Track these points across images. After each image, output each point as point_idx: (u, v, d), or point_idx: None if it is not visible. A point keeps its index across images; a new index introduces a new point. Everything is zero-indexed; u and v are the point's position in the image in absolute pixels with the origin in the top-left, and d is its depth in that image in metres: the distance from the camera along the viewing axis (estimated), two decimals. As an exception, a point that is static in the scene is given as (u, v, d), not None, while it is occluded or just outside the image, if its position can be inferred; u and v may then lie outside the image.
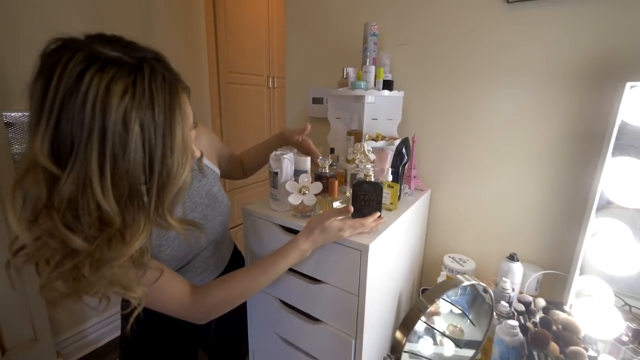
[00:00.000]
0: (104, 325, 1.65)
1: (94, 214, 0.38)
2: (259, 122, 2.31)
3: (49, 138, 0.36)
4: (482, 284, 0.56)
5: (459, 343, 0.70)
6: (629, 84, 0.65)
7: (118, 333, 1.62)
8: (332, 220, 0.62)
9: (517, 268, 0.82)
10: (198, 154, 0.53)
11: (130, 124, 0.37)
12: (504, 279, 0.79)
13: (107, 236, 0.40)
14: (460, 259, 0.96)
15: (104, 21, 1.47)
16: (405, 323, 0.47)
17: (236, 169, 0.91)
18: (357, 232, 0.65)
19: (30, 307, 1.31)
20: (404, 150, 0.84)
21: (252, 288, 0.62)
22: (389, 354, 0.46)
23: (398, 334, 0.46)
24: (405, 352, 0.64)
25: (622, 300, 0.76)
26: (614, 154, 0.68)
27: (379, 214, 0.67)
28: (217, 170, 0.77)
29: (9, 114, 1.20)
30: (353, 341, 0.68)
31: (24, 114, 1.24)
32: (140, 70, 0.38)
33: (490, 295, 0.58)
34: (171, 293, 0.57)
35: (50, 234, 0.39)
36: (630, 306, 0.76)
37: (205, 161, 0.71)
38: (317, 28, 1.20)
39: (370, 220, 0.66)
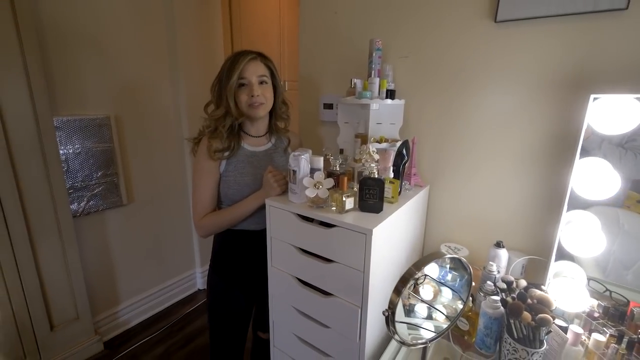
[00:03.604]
0: (135, 307, 1.82)
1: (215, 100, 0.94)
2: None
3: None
4: (462, 258, 0.68)
5: (448, 314, 0.82)
6: (592, 96, 0.76)
7: (146, 316, 1.82)
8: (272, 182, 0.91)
9: (503, 254, 0.94)
10: (256, 94, 0.91)
11: (227, 62, 0.90)
12: (490, 262, 0.91)
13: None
14: (455, 247, 1.09)
15: (135, 32, 1.63)
16: (398, 286, 0.60)
17: None
18: (283, 188, 0.92)
19: (74, 289, 1.48)
20: (404, 151, 0.97)
21: (222, 221, 0.95)
22: (387, 309, 0.59)
23: (392, 295, 0.60)
24: (402, 322, 0.78)
25: (604, 286, 0.88)
26: (581, 155, 0.80)
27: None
28: None
29: (58, 118, 1.37)
30: (359, 310, 0.82)
31: (69, 118, 1.41)
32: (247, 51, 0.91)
33: (469, 269, 0.71)
34: (200, 201, 0.95)
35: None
36: (610, 291, 0.88)
37: (290, 151, 1.04)
38: (329, 42, 1.33)
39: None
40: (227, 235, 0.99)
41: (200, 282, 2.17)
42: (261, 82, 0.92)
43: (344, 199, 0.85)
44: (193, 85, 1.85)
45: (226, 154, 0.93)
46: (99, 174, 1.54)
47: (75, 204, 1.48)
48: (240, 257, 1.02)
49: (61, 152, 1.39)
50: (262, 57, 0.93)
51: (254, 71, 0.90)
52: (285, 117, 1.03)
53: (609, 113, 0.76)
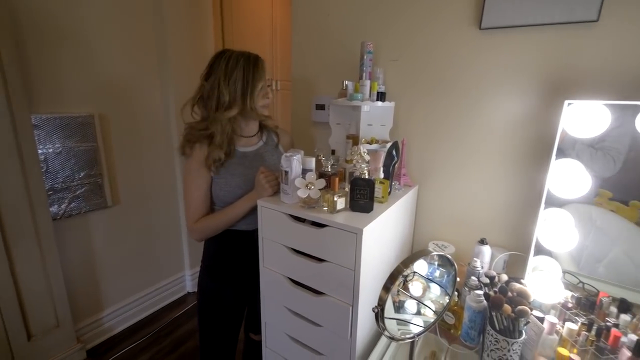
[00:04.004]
0: (119, 314, 1.76)
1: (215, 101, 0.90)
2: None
3: (205, 73, 0.92)
4: (448, 255, 0.72)
5: (435, 309, 0.86)
6: (566, 102, 0.82)
7: (133, 321, 1.77)
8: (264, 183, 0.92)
9: (486, 250, 0.99)
10: (270, 98, 0.98)
11: (239, 64, 0.89)
12: (474, 259, 0.96)
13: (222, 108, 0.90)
14: (442, 244, 1.13)
15: (122, 29, 1.58)
16: (386, 283, 0.62)
17: None
18: (275, 189, 0.93)
19: (53, 295, 1.42)
20: (393, 152, 1.00)
21: (218, 224, 0.95)
22: (376, 305, 0.62)
23: (382, 292, 0.62)
24: (391, 318, 0.80)
25: (578, 278, 0.94)
26: (557, 156, 0.86)
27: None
28: None
29: (37, 116, 1.32)
30: (350, 308, 0.84)
31: (49, 116, 1.35)
32: (246, 52, 0.91)
33: (454, 265, 0.74)
34: (193, 204, 0.95)
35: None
36: (583, 283, 0.94)
37: (281, 148, 1.06)
38: (320, 43, 1.35)
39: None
40: (218, 235, 0.99)
41: (190, 284, 2.13)
42: (268, 85, 0.97)
43: (335, 199, 0.86)
44: (183, 84, 1.82)
45: (223, 160, 0.93)
46: (82, 174, 1.49)
47: (56, 206, 1.43)
48: (231, 257, 1.02)
49: (40, 151, 1.33)
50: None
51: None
52: (270, 117, 1.05)
53: (581, 118, 0.82)
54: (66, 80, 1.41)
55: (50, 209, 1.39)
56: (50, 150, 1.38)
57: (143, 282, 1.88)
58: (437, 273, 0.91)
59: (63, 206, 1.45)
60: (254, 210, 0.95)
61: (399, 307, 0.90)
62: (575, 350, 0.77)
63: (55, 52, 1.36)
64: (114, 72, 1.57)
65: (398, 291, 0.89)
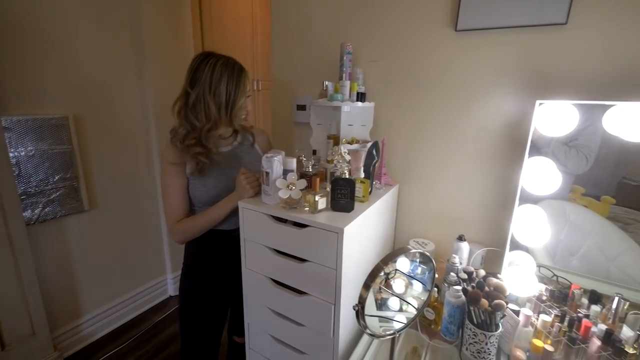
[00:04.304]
0: (98, 320, 1.71)
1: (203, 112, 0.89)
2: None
3: (189, 79, 0.89)
4: (426, 252, 0.73)
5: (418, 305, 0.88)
6: (538, 101, 0.85)
7: (113, 327, 1.72)
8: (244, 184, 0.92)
9: (465, 246, 1.01)
10: (249, 108, 1.00)
11: (223, 76, 0.88)
12: (453, 255, 0.98)
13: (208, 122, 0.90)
14: (423, 242, 1.15)
15: (95, 25, 1.54)
16: (367, 281, 0.63)
17: None
18: (256, 190, 0.93)
19: (28, 303, 1.37)
20: (374, 151, 1.01)
21: (199, 225, 0.94)
22: (357, 303, 0.62)
23: (362, 290, 0.63)
24: (373, 316, 0.81)
25: (552, 272, 0.97)
26: (533, 153, 0.89)
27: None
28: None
29: (7, 118, 1.26)
30: (332, 307, 0.84)
31: (20, 118, 1.30)
32: (230, 60, 0.91)
33: (433, 262, 0.76)
34: (172, 204, 0.94)
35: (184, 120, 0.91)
36: (557, 276, 0.97)
37: (257, 147, 1.06)
38: (300, 44, 1.35)
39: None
40: (199, 237, 0.98)
41: (172, 288, 2.09)
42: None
43: (316, 199, 0.87)
44: (161, 84, 1.78)
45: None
46: (56, 178, 1.43)
47: (29, 210, 1.37)
48: (211, 257, 1.02)
49: (11, 154, 1.28)
50: None
51: None
52: (246, 118, 1.04)
53: (551, 117, 0.85)
54: (38, 81, 1.36)
55: (24, 214, 1.34)
56: (23, 154, 1.32)
57: (123, 287, 1.83)
58: (419, 270, 0.92)
59: (37, 211, 1.40)
60: (235, 211, 0.95)
61: (381, 304, 0.91)
62: (549, 341, 0.80)
63: (26, 52, 1.31)
64: (89, 72, 1.52)
65: (380, 289, 0.90)
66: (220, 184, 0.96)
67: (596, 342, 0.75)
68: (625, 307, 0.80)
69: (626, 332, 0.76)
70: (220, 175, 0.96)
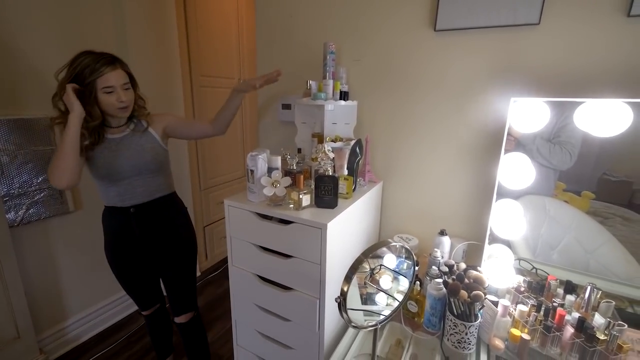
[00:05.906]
0: (84, 322, 1.69)
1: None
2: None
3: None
4: (406, 246, 0.75)
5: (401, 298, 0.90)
6: (512, 99, 0.88)
7: (101, 329, 1.70)
8: None
9: (446, 240, 1.04)
10: (123, 99, 0.98)
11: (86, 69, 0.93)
12: (435, 249, 1.00)
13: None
14: (406, 237, 1.17)
15: (78, 26, 1.52)
16: (348, 274, 0.65)
17: (205, 130, 1.20)
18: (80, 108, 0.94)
19: (12, 306, 1.35)
20: (357, 149, 1.03)
21: (58, 154, 0.93)
22: (339, 296, 0.64)
23: (343, 283, 0.65)
24: (359, 310, 0.83)
25: (531, 264, 1.00)
26: (506, 151, 0.92)
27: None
28: (158, 137, 1.09)
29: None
30: (317, 301, 0.86)
31: (2, 119, 1.28)
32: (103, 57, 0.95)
33: (413, 256, 0.78)
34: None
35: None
36: (536, 268, 1.01)
37: (151, 131, 1.08)
38: (285, 44, 1.36)
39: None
40: (103, 213, 1.11)
41: (162, 287, 2.07)
42: (126, 89, 0.98)
43: (300, 196, 0.88)
44: (146, 84, 1.74)
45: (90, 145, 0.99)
46: (40, 179, 1.41)
47: (13, 212, 1.35)
48: (114, 232, 1.11)
49: (-8, 155, 1.26)
50: (121, 64, 0.99)
51: (117, 80, 0.95)
52: (143, 108, 1.09)
53: (525, 114, 0.89)
54: (21, 81, 1.34)
55: (7, 216, 1.32)
56: (5, 155, 1.30)
57: (110, 289, 1.80)
58: (405, 265, 0.95)
59: (21, 212, 1.38)
60: (124, 185, 1.02)
61: (366, 299, 0.93)
62: (526, 330, 0.83)
63: (8, 52, 1.29)
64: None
65: (365, 283, 0.92)
66: (107, 167, 1.02)
67: (570, 330, 0.78)
68: (598, 296, 0.83)
69: (598, 320, 0.79)
70: (108, 157, 1.01)
